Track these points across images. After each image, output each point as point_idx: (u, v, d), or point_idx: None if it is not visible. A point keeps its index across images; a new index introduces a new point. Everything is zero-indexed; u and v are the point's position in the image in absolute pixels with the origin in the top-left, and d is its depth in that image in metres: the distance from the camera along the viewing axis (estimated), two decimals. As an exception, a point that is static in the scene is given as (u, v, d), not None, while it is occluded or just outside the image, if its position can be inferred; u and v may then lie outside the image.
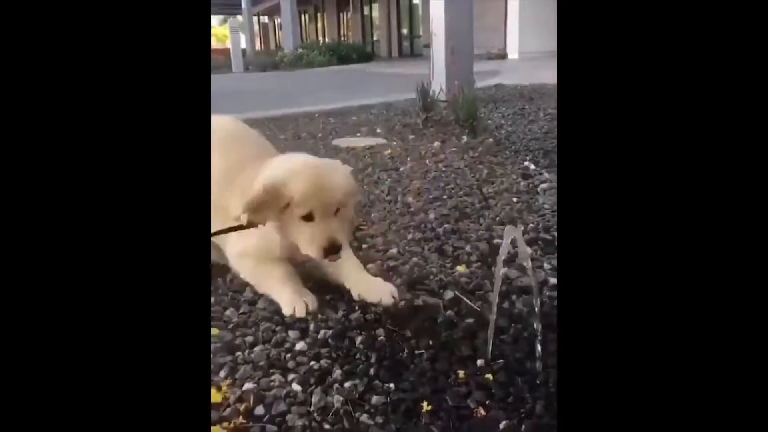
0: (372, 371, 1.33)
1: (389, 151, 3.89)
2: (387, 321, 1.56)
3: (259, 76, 14.72)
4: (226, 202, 1.73)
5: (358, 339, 1.47)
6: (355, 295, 1.69)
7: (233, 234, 1.70)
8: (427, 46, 6.72)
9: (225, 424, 1.18)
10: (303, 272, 1.79)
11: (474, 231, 2.24)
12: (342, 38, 26.11)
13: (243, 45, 22.86)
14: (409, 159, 3.64)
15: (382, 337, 1.48)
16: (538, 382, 1.27)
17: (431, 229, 2.30)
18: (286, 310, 1.63)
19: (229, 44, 21.18)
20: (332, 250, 1.59)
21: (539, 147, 3.70)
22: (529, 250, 1.30)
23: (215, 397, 1.26)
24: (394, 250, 2.08)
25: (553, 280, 1.74)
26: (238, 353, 1.44)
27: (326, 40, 26.42)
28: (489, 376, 1.30)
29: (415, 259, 1.99)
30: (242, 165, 1.81)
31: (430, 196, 2.77)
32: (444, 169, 3.30)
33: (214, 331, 1.54)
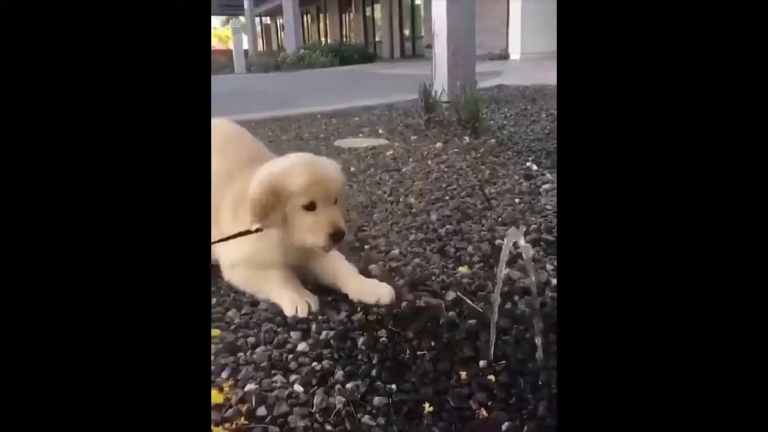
0: (374, 372, 1.33)
1: (391, 151, 3.89)
2: (389, 322, 1.55)
3: (261, 77, 14.73)
4: (217, 208, 1.76)
5: (360, 340, 1.47)
6: (353, 298, 1.69)
7: (224, 244, 1.70)
8: (429, 47, 6.72)
9: (227, 425, 1.18)
10: (299, 276, 1.79)
11: (476, 232, 2.24)
12: (344, 39, 26.11)
13: (245, 46, 22.89)
14: (411, 160, 3.64)
15: (384, 338, 1.47)
16: (540, 383, 1.27)
17: (433, 230, 2.30)
18: (289, 311, 1.63)
19: (231, 45, 21.22)
20: (337, 236, 1.61)
21: (541, 148, 3.70)
22: (531, 251, 1.30)
23: (217, 398, 1.26)
24: (396, 251, 2.08)
25: (556, 281, 1.74)
26: (240, 354, 1.44)
27: (328, 41, 26.43)
28: (491, 377, 1.30)
29: (417, 260, 1.99)
30: (233, 171, 1.83)
31: (432, 197, 2.77)
32: (446, 169, 3.30)
33: (216, 332, 1.54)
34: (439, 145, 4.01)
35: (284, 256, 1.74)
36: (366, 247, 2.15)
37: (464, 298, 1.67)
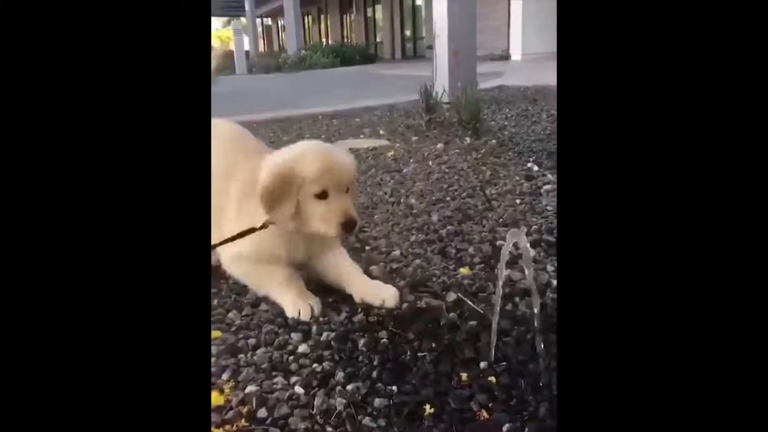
0: (374, 374, 1.33)
1: (392, 152, 3.89)
2: (390, 323, 1.55)
3: (262, 78, 14.75)
4: (222, 202, 1.72)
5: (361, 341, 1.47)
6: (357, 299, 1.69)
7: (226, 236, 1.66)
8: (430, 47, 6.71)
9: (227, 427, 1.18)
10: (302, 276, 1.78)
11: (477, 233, 2.24)
12: (345, 40, 26.13)
13: (246, 47, 22.95)
14: (412, 160, 3.63)
15: (384, 340, 1.47)
16: (541, 384, 1.27)
17: (434, 230, 2.29)
18: (291, 313, 1.62)
19: (232, 46, 21.25)
20: (349, 225, 1.58)
21: (542, 148, 3.69)
22: (532, 252, 1.29)
23: (218, 399, 1.26)
24: (396, 252, 2.08)
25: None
26: (241, 356, 1.44)
27: (329, 41, 26.47)
28: (492, 378, 1.30)
29: (417, 261, 1.98)
30: (236, 165, 1.79)
31: (433, 198, 2.77)
32: (447, 170, 3.30)
33: (217, 333, 1.54)
34: (440, 145, 4.01)
35: (288, 251, 1.72)
36: (367, 248, 2.15)
37: (465, 299, 1.67)
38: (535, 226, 2.25)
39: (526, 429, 1.14)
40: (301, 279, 1.74)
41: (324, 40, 28.53)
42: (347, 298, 1.71)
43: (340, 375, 1.33)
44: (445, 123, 4.81)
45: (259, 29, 34.64)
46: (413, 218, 2.48)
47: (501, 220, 2.38)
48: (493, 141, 4.02)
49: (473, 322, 1.53)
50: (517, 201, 2.64)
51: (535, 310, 1.28)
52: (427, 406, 1.20)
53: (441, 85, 5.62)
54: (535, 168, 3.21)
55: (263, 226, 1.61)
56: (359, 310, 1.64)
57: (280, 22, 31.97)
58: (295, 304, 1.63)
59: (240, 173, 1.75)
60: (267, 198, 1.58)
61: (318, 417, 1.20)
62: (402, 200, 2.78)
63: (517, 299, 1.65)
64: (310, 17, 32.01)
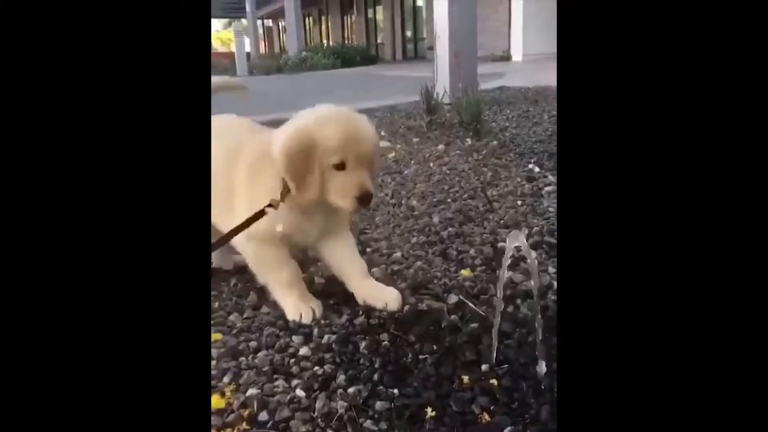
0: (376, 376, 1.32)
1: (393, 153, 3.89)
2: (391, 326, 1.55)
3: (263, 79, 14.74)
4: (232, 179, 1.64)
5: (362, 344, 1.46)
6: (360, 301, 1.68)
7: (238, 216, 1.57)
8: (431, 48, 6.71)
9: (228, 431, 1.18)
10: (306, 277, 1.78)
11: (478, 234, 2.23)
12: (346, 41, 26.16)
13: (247, 48, 22.97)
14: (413, 162, 3.63)
15: (386, 342, 1.47)
16: (542, 387, 1.26)
17: (435, 232, 2.29)
18: (292, 316, 1.61)
19: (233, 48, 21.28)
20: (365, 199, 1.50)
21: (543, 150, 3.69)
22: (533, 254, 1.29)
23: (219, 402, 1.25)
24: (398, 254, 2.07)
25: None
26: (242, 358, 1.43)
27: (330, 43, 26.51)
28: (494, 381, 1.29)
29: (419, 263, 1.98)
30: (241, 143, 1.71)
31: (434, 200, 2.77)
32: (448, 172, 3.29)
33: (218, 336, 1.54)
34: (441, 147, 4.00)
35: (301, 230, 1.64)
36: (368, 250, 2.14)
37: (466, 301, 1.66)
38: (536, 228, 2.24)
39: (528, 432, 1.14)
40: (303, 282, 1.73)
41: (325, 41, 28.57)
42: (348, 301, 1.70)
43: (341, 378, 1.32)
44: (446, 124, 4.80)
45: (260, 31, 34.70)
46: (414, 220, 2.47)
47: (502, 221, 2.38)
48: (495, 142, 4.02)
49: (474, 325, 1.52)
50: (519, 202, 2.63)
51: (537, 312, 1.28)
52: (429, 409, 1.20)
53: (442, 86, 5.62)
54: (537, 169, 3.21)
55: (269, 206, 1.52)
56: (360, 312, 1.63)
57: (281, 24, 32.03)
58: (297, 307, 1.62)
59: (247, 149, 1.67)
60: (289, 166, 1.49)
61: (319, 420, 1.19)
62: (403, 202, 2.77)
63: (518, 301, 1.64)
64: (311, 18, 32.06)
